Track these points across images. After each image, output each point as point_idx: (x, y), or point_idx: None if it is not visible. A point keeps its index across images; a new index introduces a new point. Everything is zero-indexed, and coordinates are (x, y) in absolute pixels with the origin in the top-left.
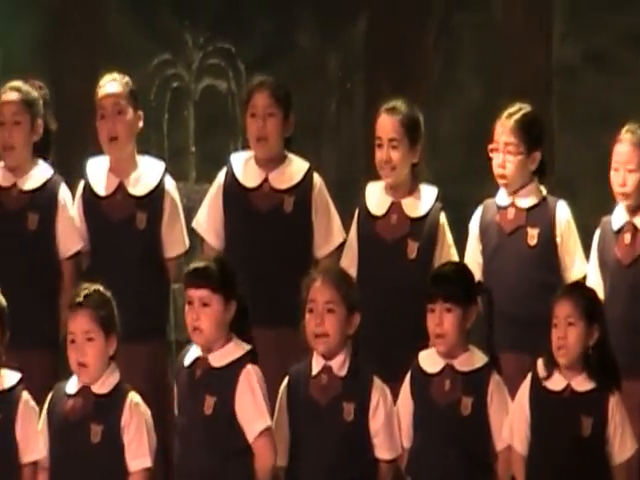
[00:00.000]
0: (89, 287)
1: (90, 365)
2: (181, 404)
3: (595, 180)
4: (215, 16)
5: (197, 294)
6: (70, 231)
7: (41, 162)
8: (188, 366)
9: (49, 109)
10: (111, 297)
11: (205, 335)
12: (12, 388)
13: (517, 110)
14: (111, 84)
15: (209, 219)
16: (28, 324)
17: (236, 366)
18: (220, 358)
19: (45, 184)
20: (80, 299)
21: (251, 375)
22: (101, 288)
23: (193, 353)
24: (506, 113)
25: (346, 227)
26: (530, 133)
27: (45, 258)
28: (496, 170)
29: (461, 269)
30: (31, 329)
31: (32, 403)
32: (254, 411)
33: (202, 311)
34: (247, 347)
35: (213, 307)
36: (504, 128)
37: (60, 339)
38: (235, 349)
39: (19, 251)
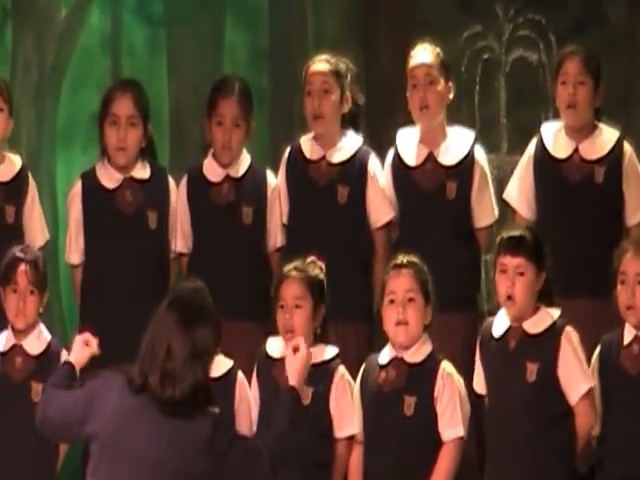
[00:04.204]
0: (408, 256)
1: (410, 323)
2: (492, 376)
3: None
4: None
5: (513, 262)
6: (380, 201)
7: (350, 133)
8: (498, 338)
9: (355, 85)
10: (427, 270)
11: (517, 304)
12: (329, 361)
13: None
14: (423, 54)
15: (520, 190)
16: (344, 296)
17: (554, 330)
18: (536, 325)
19: (354, 156)
20: (403, 261)
21: (571, 337)
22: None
23: (502, 324)
24: None
25: None
26: None
27: (358, 230)
28: None
29: None
30: (347, 301)
31: (347, 377)
32: (578, 372)
33: (517, 279)
34: (557, 312)
35: (527, 276)
36: None
37: (374, 310)
38: (547, 315)
39: (332, 224)
